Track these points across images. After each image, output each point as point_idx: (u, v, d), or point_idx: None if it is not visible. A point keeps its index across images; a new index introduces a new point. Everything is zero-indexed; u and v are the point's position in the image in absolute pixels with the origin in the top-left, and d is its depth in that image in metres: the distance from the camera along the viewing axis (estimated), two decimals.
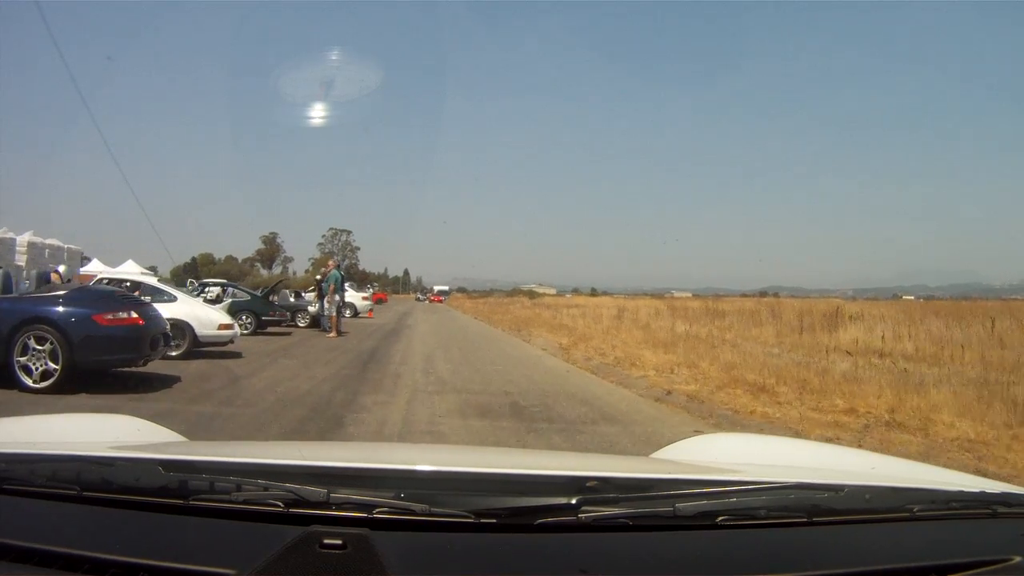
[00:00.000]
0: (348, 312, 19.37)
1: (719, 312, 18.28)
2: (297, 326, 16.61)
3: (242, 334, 11.08)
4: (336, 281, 14.04)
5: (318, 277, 15.90)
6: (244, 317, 13.04)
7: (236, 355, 9.41)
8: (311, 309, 16.41)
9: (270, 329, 13.95)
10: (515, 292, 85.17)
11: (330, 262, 14.99)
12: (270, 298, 14.90)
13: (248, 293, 15.31)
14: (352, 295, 21.12)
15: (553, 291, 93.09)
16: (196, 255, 75.07)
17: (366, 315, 22.65)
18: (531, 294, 74.15)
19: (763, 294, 75.06)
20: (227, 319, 9.76)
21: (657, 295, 64.30)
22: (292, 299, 17.81)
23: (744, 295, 66.26)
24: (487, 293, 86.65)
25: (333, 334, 13.51)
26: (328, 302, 14.04)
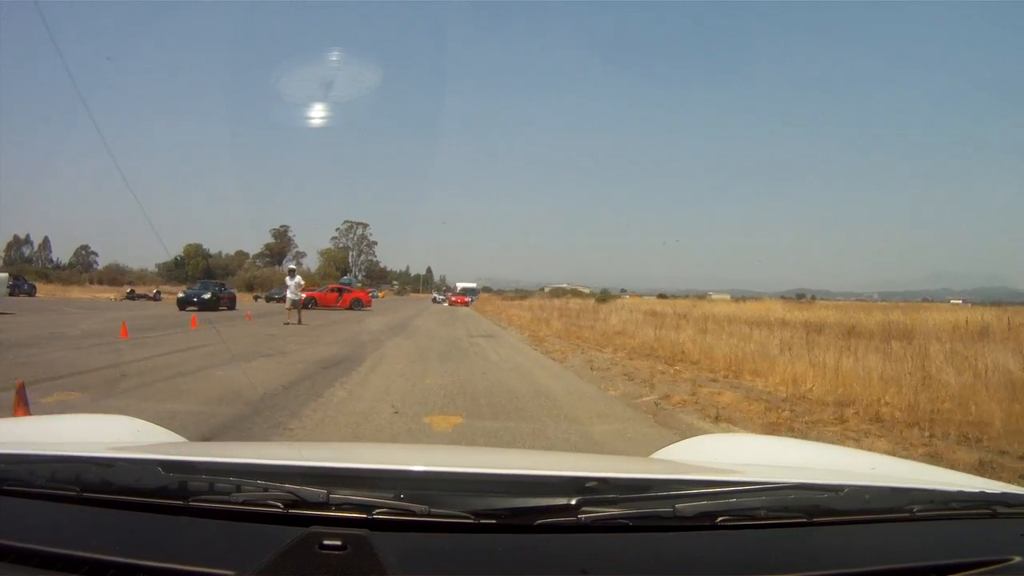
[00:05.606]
0: None
1: None
2: None
3: None
4: None
5: None
6: None
7: None
8: None
9: None
10: (558, 292, 65.91)
11: None
12: None
13: None
14: None
15: (587, 290, 74.90)
16: (184, 248, 68.64)
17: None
18: (580, 294, 55.46)
19: (800, 296, 72.85)
20: None
21: (696, 298, 59.40)
22: None
23: (783, 297, 64.40)
24: (524, 294, 65.67)
25: None
26: None
